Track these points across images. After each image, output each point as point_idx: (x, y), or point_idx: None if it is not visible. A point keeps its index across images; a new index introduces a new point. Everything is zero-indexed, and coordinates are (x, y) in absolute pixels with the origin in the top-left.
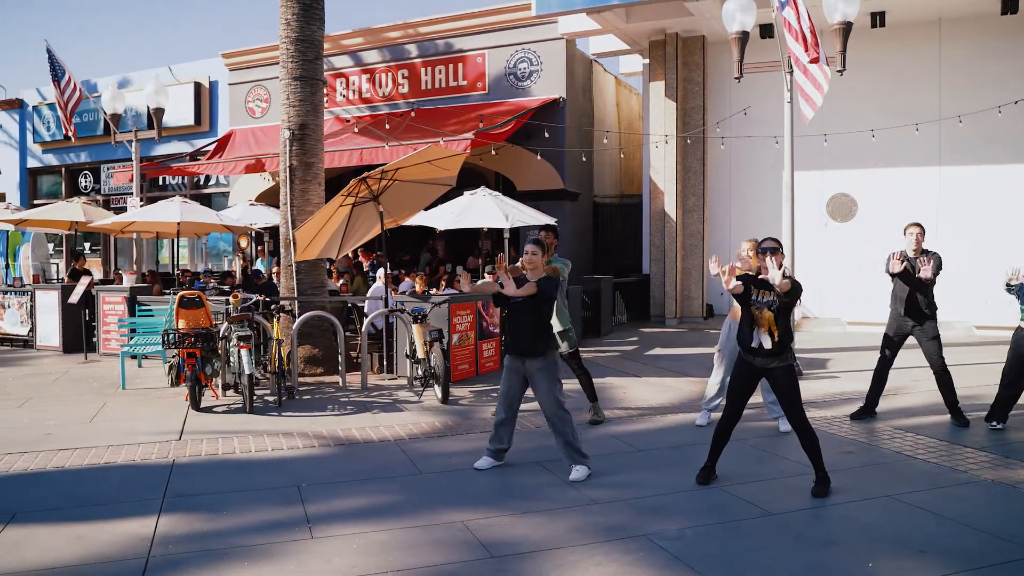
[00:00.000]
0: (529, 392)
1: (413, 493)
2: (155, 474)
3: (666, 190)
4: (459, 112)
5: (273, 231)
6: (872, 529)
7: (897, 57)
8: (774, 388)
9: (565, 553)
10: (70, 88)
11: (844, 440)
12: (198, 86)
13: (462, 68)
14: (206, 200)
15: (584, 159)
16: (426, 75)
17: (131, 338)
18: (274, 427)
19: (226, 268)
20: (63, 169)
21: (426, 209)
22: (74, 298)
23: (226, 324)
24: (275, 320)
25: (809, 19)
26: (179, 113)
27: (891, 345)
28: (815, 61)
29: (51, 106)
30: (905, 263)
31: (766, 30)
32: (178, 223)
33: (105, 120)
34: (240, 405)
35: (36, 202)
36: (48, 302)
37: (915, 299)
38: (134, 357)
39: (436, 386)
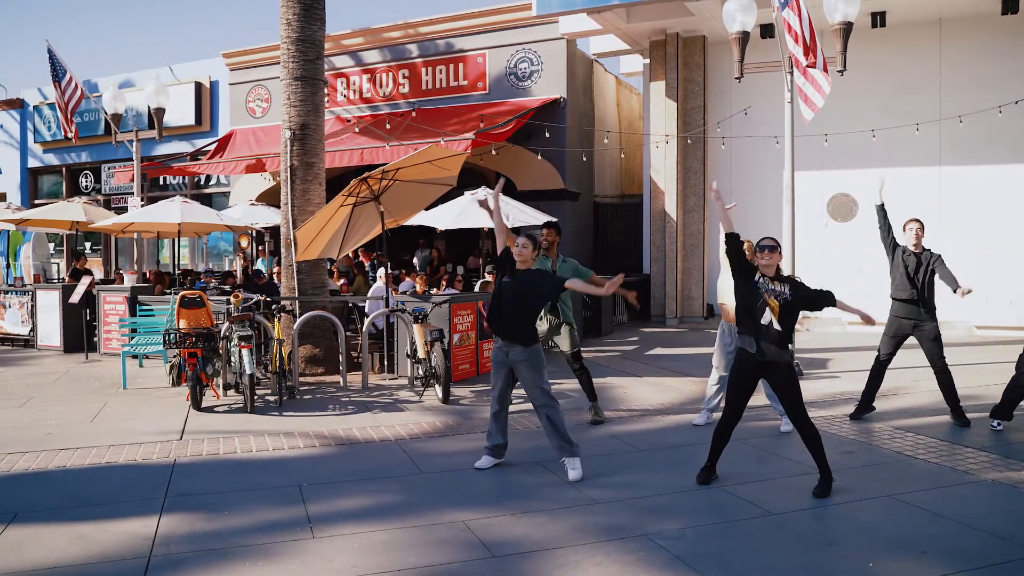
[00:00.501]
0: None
1: (414, 493)
2: (156, 474)
3: (667, 190)
4: (460, 112)
5: (274, 231)
6: (872, 529)
7: (897, 57)
8: (774, 386)
9: (566, 553)
10: (71, 88)
11: (845, 440)
12: (199, 86)
13: (463, 68)
14: (207, 200)
15: (585, 159)
16: (427, 75)
17: (132, 338)
18: (275, 427)
19: (227, 268)
20: (64, 169)
21: (427, 209)
22: (75, 298)
23: (227, 324)
24: (276, 320)
25: (810, 22)
26: (180, 113)
27: (889, 345)
28: (812, 66)
29: (52, 106)
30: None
31: (767, 30)
32: (179, 223)
33: (106, 120)
34: (241, 405)
35: (37, 202)
36: (49, 302)
37: (914, 299)
38: (135, 357)
39: (437, 386)
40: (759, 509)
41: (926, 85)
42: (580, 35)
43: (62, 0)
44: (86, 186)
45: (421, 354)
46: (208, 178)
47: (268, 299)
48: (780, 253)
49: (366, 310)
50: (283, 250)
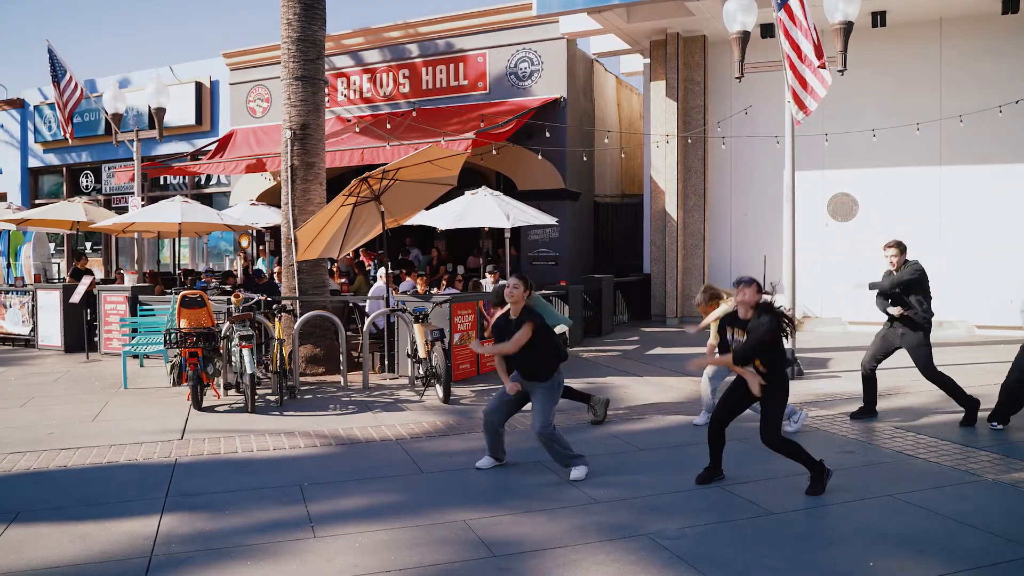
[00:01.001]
0: None
1: (415, 492)
2: (158, 473)
3: (667, 190)
4: (460, 112)
5: (274, 231)
6: (872, 528)
7: (898, 57)
8: (761, 403)
9: (567, 552)
10: (71, 87)
11: (845, 439)
12: (199, 86)
13: (463, 68)
14: (207, 200)
15: (585, 159)
16: (427, 75)
17: (133, 337)
18: (276, 426)
19: (227, 268)
20: (64, 169)
21: (427, 209)
22: (76, 298)
23: (228, 324)
24: (277, 320)
25: (808, 23)
26: (180, 113)
27: (876, 352)
28: (823, 66)
29: (52, 106)
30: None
31: (767, 30)
32: (179, 223)
33: (106, 120)
34: (242, 404)
35: (37, 202)
36: (50, 302)
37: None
38: (136, 357)
39: (437, 385)
40: (759, 509)
41: (926, 85)
42: (580, 35)
43: (63, 0)
44: (87, 186)
45: (422, 354)
46: (208, 178)
47: (269, 299)
48: (757, 290)
49: (366, 310)
50: (284, 250)
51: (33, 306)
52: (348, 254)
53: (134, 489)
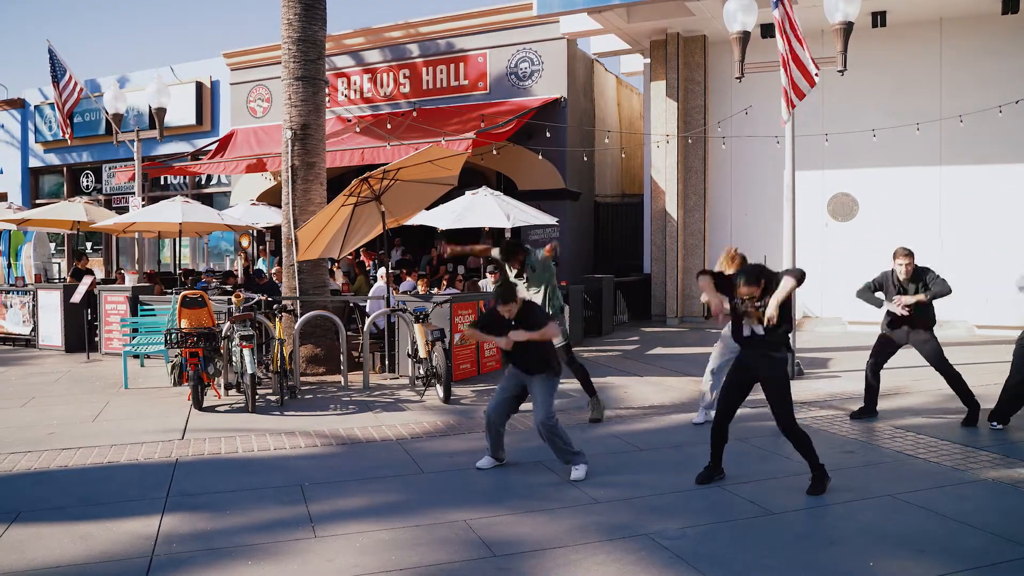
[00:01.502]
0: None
1: (415, 492)
2: (158, 473)
3: (667, 190)
4: (460, 112)
5: (275, 231)
6: (873, 528)
7: (898, 57)
8: (766, 395)
9: (567, 552)
10: (70, 87)
11: (845, 439)
12: (200, 86)
13: (463, 68)
14: (208, 200)
15: (585, 159)
16: (427, 75)
17: (133, 337)
18: (276, 426)
19: (228, 268)
20: (65, 169)
21: (428, 209)
22: (76, 297)
23: (228, 323)
24: (277, 320)
25: (795, 21)
26: (181, 113)
27: (882, 351)
28: (798, 63)
29: (53, 106)
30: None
31: (767, 30)
32: (180, 223)
33: (107, 120)
34: (242, 404)
35: (38, 202)
36: (50, 302)
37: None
38: (136, 357)
39: (438, 385)
40: (760, 508)
41: (926, 85)
42: (581, 35)
43: (63, 0)
44: (87, 186)
45: (422, 354)
46: (209, 178)
47: (269, 299)
48: (758, 287)
49: (367, 310)
50: (284, 250)
51: (34, 306)
52: (349, 255)
53: (135, 489)
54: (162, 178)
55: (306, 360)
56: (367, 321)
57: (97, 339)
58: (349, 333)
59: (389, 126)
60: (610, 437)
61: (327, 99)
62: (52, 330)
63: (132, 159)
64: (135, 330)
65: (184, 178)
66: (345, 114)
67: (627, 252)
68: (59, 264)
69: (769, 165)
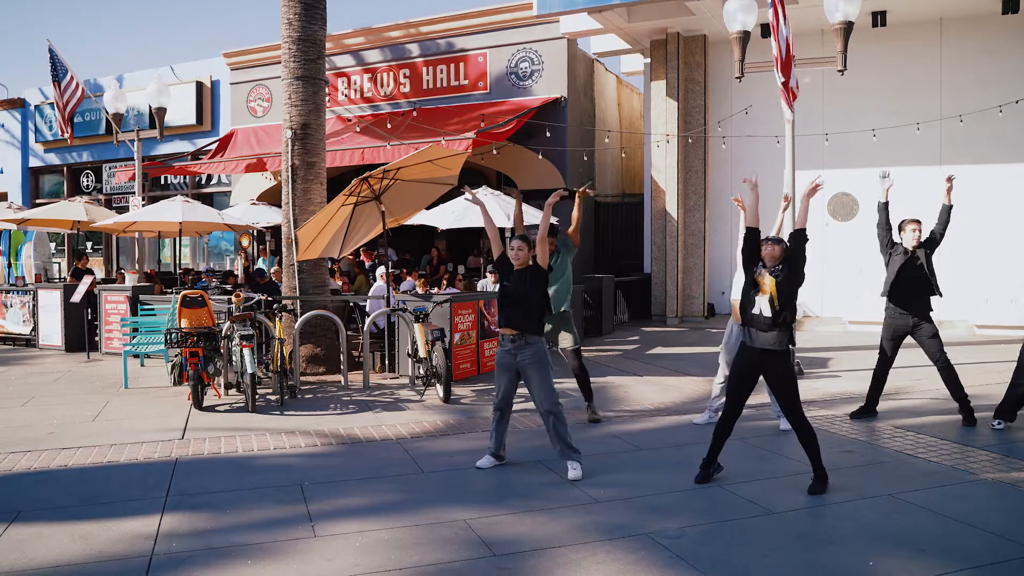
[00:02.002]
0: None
1: (415, 492)
2: (158, 473)
3: (667, 189)
4: (461, 111)
5: (275, 230)
6: (873, 528)
7: (898, 57)
8: (771, 383)
9: (567, 551)
10: (71, 87)
11: (845, 439)
12: (200, 85)
13: (463, 67)
14: (208, 199)
15: (585, 158)
16: (428, 74)
17: (133, 337)
18: (276, 426)
19: (228, 267)
20: (65, 168)
21: (428, 208)
22: (76, 297)
23: (228, 323)
24: (277, 319)
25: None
26: (181, 112)
27: (889, 346)
28: (786, 84)
29: (53, 105)
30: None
31: (767, 30)
32: (180, 223)
33: (107, 119)
34: (242, 404)
35: (38, 201)
36: (50, 301)
37: (909, 285)
38: (136, 356)
39: (438, 385)
40: (760, 508)
41: (927, 84)
42: (581, 34)
43: (63, 0)
44: (87, 185)
45: (422, 353)
46: (209, 177)
47: (269, 298)
48: (783, 249)
49: (367, 309)
50: (284, 249)
51: (34, 306)
52: (349, 254)
53: (135, 488)
54: (162, 178)
55: (306, 360)
56: (367, 321)
57: (97, 339)
58: (349, 333)
59: (389, 126)
60: (610, 437)
61: (327, 99)
62: (52, 330)
63: (132, 159)
64: (135, 330)
65: (184, 178)
66: (345, 114)
67: (627, 252)
68: (59, 264)
69: (769, 165)
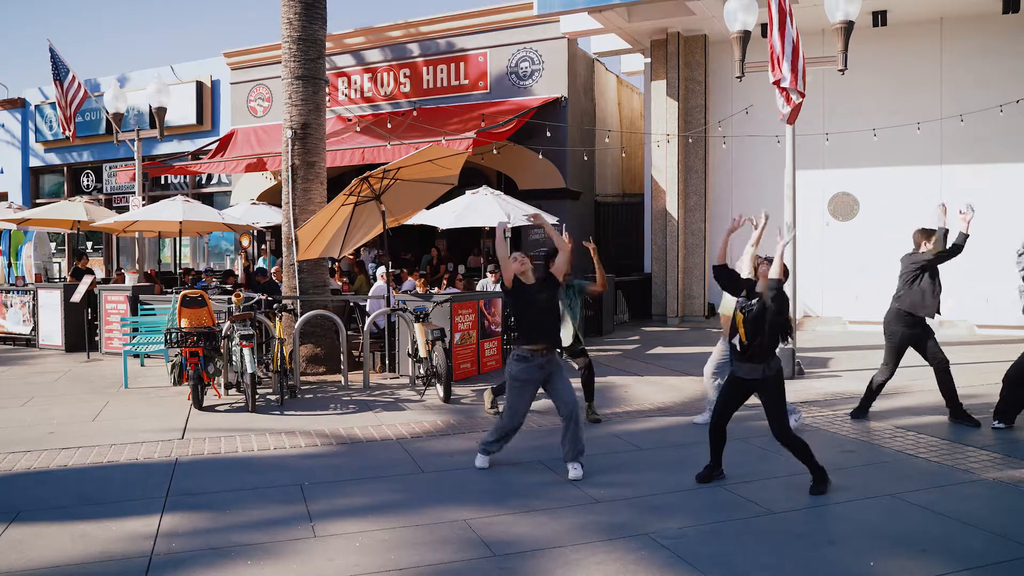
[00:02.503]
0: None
1: (415, 491)
2: (158, 473)
3: (668, 189)
4: (461, 111)
5: (275, 230)
6: (873, 528)
7: (899, 56)
8: (762, 402)
9: (567, 551)
10: (74, 88)
11: (846, 439)
12: (200, 85)
13: (464, 67)
14: (208, 199)
15: (586, 158)
16: (428, 74)
17: (133, 337)
18: (277, 426)
19: (228, 267)
20: (65, 168)
21: (428, 208)
22: (76, 297)
23: (228, 323)
24: (277, 319)
25: (794, 39)
26: (181, 112)
27: (903, 350)
28: (777, 83)
29: (54, 105)
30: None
31: (767, 29)
32: (180, 222)
33: (107, 119)
34: (242, 404)
35: (38, 201)
36: (50, 301)
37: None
38: (136, 356)
39: (438, 385)
40: (760, 508)
41: (927, 84)
42: (581, 34)
43: (63, 0)
44: (87, 185)
45: (422, 353)
46: (209, 177)
47: (270, 298)
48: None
49: (367, 309)
50: (284, 249)
51: (34, 305)
52: (349, 254)
53: (135, 488)
54: (162, 177)
55: (306, 359)
56: (367, 320)
57: (97, 338)
58: (349, 333)
59: (389, 125)
60: (611, 437)
61: (327, 98)
62: (52, 329)
63: (132, 158)
64: (135, 329)
65: (184, 177)
66: (345, 113)
67: (627, 252)
68: (59, 264)
69: (769, 164)
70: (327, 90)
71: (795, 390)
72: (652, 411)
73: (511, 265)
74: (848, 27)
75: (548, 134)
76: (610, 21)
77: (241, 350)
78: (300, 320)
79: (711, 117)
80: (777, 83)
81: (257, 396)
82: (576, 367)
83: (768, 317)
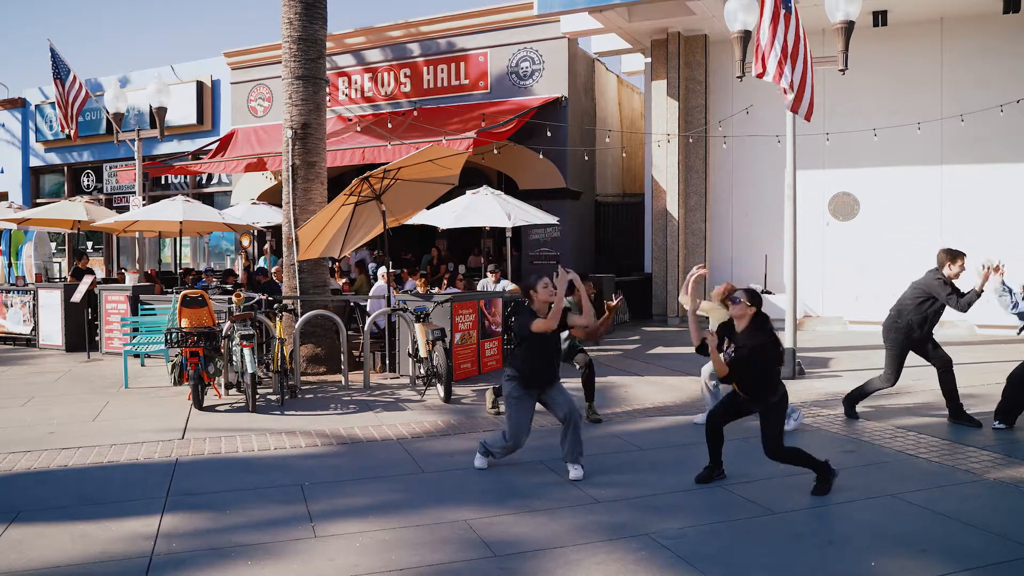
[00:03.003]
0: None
1: (416, 492)
2: (158, 473)
3: (668, 189)
4: (461, 111)
5: (276, 230)
6: (874, 527)
7: (899, 56)
8: (760, 416)
9: (568, 552)
10: (75, 88)
11: (845, 439)
12: (200, 85)
13: (464, 67)
14: (208, 199)
15: (586, 158)
16: (428, 74)
17: (134, 337)
18: (277, 426)
19: (228, 267)
20: (65, 168)
21: (428, 208)
22: (77, 297)
23: (229, 323)
24: (278, 319)
25: (794, 29)
26: (181, 112)
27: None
28: (761, 76)
29: (54, 105)
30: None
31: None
32: (180, 222)
33: (107, 119)
34: (243, 404)
35: (38, 201)
36: (51, 301)
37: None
38: (137, 356)
39: (438, 385)
40: (761, 508)
41: (927, 84)
42: (581, 34)
43: (63, 0)
44: (88, 185)
45: (423, 353)
46: (210, 177)
47: (270, 298)
48: (748, 306)
49: (368, 309)
50: (285, 249)
51: (34, 305)
52: (349, 255)
53: (135, 488)
54: (163, 177)
55: (307, 359)
56: (368, 320)
57: (97, 338)
58: (350, 332)
59: (390, 125)
60: (611, 437)
61: (328, 98)
62: (52, 329)
63: (133, 158)
64: (135, 329)
65: (185, 177)
66: (346, 113)
67: (628, 251)
68: (60, 263)
69: (770, 164)
70: (327, 90)
71: (796, 390)
72: (652, 411)
73: (545, 293)
74: (849, 27)
75: (548, 134)
76: (610, 21)
77: (241, 350)
78: (300, 320)
79: (711, 117)
80: (761, 76)
81: (257, 396)
82: (576, 366)
83: (751, 365)
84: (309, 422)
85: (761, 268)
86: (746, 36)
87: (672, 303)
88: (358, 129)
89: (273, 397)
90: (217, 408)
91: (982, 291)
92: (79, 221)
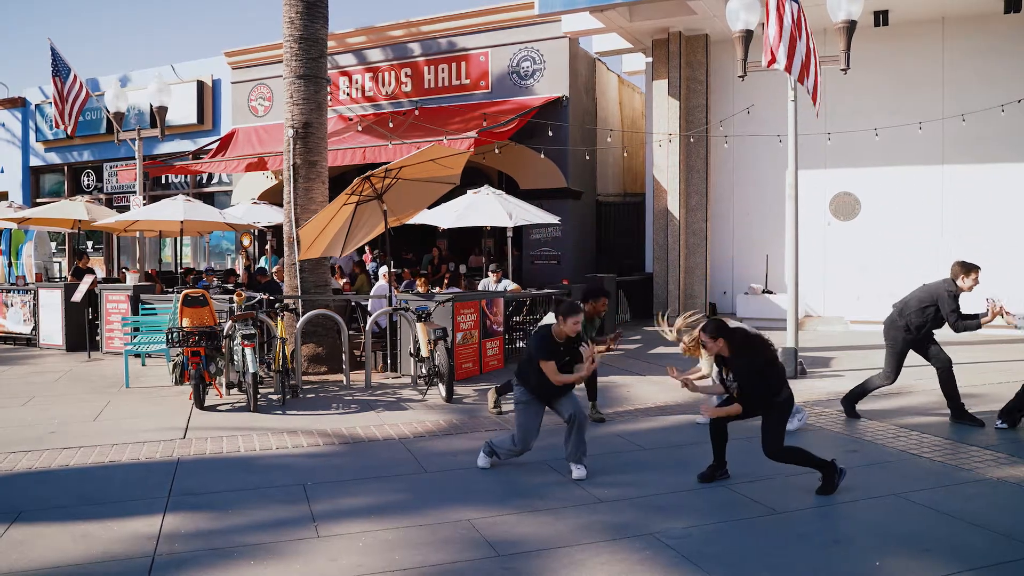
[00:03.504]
0: None
1: (418, 491)
2: (160, 472)
3: (669, 189)
4: (462, 110)
5: (276, 230)
6: (878, 527)
7: (900, 56)
8: (762, 417)
9: (571, 551)
10: (76, 87)
11: (848, 439)
12: (201, 84)
13: (465, 67)
14: (209, 199)
15: (587, 158)
16: (429, 73)
17: (135, 336)
18: (278, 425)
19: (229, 266)
20: (66, 167)
21: (429, 208)
22: (77, 296)
23: (230, 322)
24: (279, 319)
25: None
26: (182, 111)
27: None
28: (771, 64)
29: (53, 104)
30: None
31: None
32: (181, 222)
33: (108, 118)
34: (244, 404)
35: (39, 200)
36: (51, 301)
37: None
38: (137, 356)
39: (440, 384)
40: (764, 508)
41: (929, 84)
42: (582, 34)
43: (63, 0)
44: (88, 185)
45: (424, 353)
46: (210, 177)
47: (271, 298)
48: (715, 341)
49: (369, 309)
50: (286, 249)
51: (34, 305)
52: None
53: (136, 488)
54: (163, 177)
55: (308, 359)
56: (369, 320)
57: (98, 338)
58: (351, 332)
59: (391, 125)
60: (614, 436)
61: (329, 98)
62: (53, 329)
63: (133, 158)
64: (136, 329)
65: (185, 177)
66: (347, 113)
67: (629, 251)
68: (60, 263)
69: (771, 164)
70: (329, 89)
71: (798, 390)
72: (655, 411)
73: (571, 326)
74: (851, 27)
75: (550, 133)
76: (611, 21)
77: (243, 350)
78: (302, 320)
79: (713, 117)
80: (771, 64)
81: (259, 396)
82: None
83: (754, 392)
84: (311, 422)
85: (762, 268)
86: (748, 35)
87: (673, 303)
88: (359, 128)
89: (274, 397)
90: (218, 408)
91: (982, 326)
92: (79, 221)
